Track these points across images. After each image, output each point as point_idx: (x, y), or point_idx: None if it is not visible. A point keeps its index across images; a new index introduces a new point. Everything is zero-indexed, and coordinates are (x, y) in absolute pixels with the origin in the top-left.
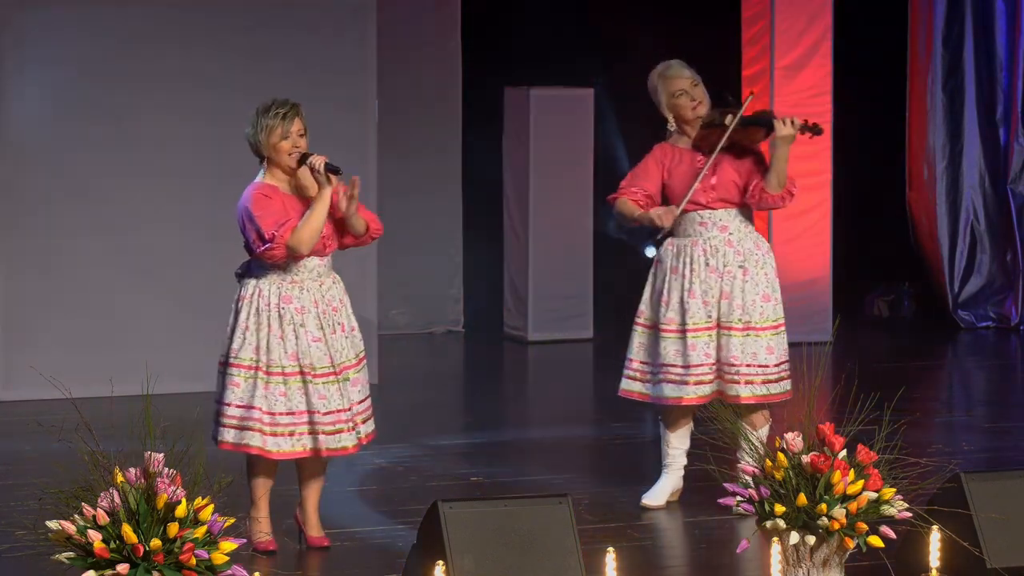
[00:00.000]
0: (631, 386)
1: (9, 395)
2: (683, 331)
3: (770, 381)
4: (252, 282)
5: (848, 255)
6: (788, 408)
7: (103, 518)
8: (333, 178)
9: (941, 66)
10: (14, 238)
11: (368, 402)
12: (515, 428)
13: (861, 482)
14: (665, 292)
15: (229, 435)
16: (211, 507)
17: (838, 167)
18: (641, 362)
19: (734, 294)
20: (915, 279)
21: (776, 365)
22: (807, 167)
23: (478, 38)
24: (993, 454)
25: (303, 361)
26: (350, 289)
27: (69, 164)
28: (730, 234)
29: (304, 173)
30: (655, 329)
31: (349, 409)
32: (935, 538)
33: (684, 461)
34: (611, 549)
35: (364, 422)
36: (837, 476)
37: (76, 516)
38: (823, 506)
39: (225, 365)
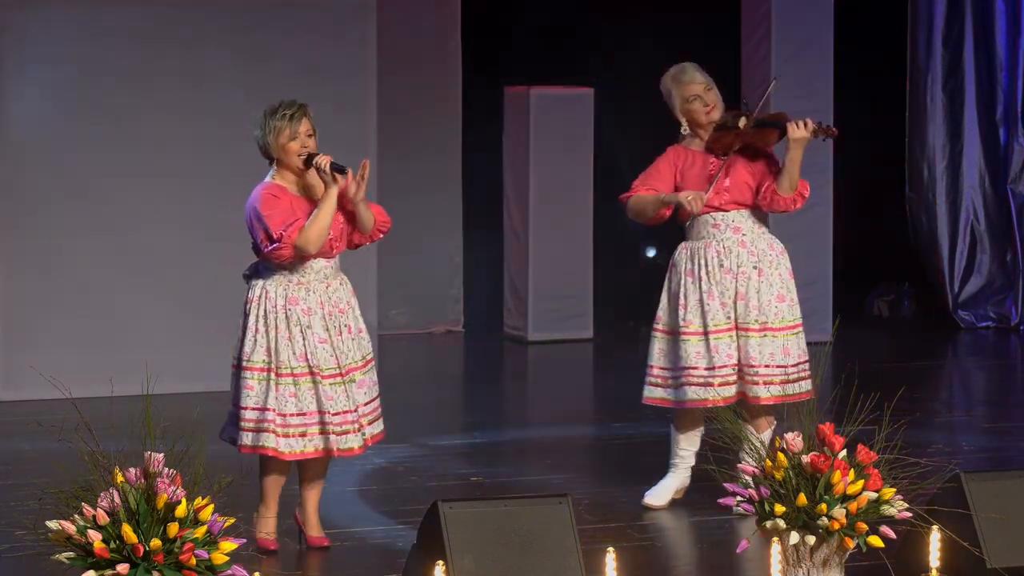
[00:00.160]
0: (654, 392)
1: (9, 395)
2: (705, 333)
3: (789, 381)
4: (259, 284)
5: (848, 255)
6: (788, 408)
7: (103, 518)
8: (340, 178)
9: (941, 66)
10: (14, 238)
11: (375, 404)
12: (515, 428)
13: (861, 482)
14: (682, 296)
15: (247, 438)
16: (211, 507)
17: (838, 167)
18: (662, 368)
19: (749, 295)
20: (915, 279)
21: (794, 365)
22: (807, 167)
23: (478, 38)
24: (993, 454)
25: (311, 362)
26: None
27: (69, 164)
28: (743, 235)
29: (312, 173)
30: (675, 334)
31: (355, 410)
32: (935, 538)
33: (692, 462)
34: (611, 549)
35: (371, 423)
36: (837, 476)
37: (76, 516)
38: (823, 506)
39: (238, 368)
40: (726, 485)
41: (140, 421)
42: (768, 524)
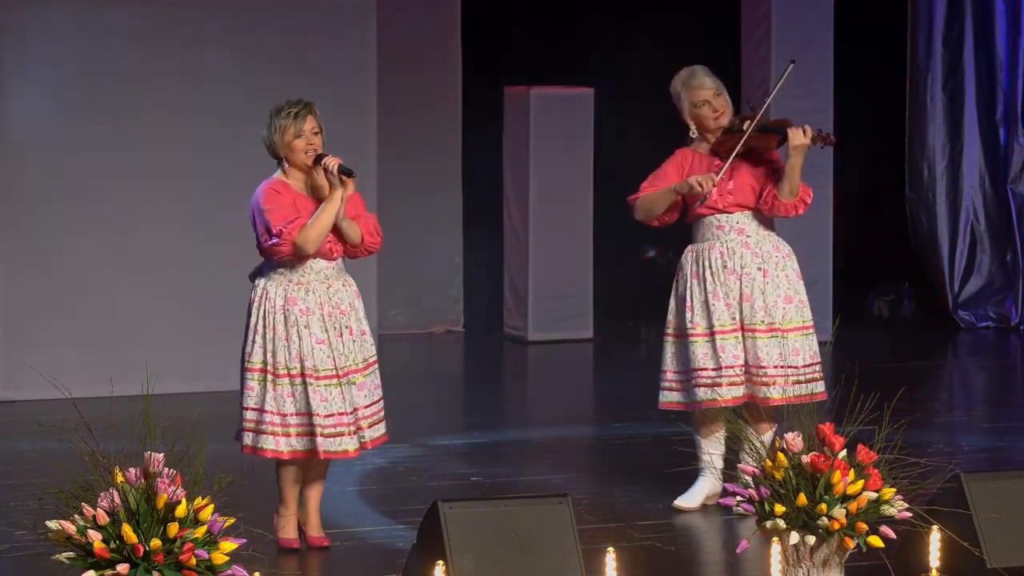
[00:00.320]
0: (669, 397)
1: (9, 395)
2: (711, 334)
3: (800, 382)
4: (261, 284)
5: (848, 255)
6: (789, 408)
7: (103, 518)
8: (348, 181)
9: (941, 66)
10: (14, 238)
11: (377, 407)
12: (515, 428)
13: (861, 482)
14: (688, 298)
15: (248, 439)
16: (211, 507)
17: (838, 167)
18: (674, 372)
19: (754, 296)
20: (915, 279)
21: (806, 366)
22: (807, 167)
23: (478, 38)
24: (993, 454)
25: (305, 363)
26: None
27: (69, 164)
28: (747, 237)
29: (319, 173)
30: (683, 337)
31: (352, 412)
32: (935, 538)
33: (719, 465)
34: (611, 549)
35: (371, 426)
36: (837, 476)
37: (76, 516)
38: (823, 506)
39: (242, 369)
40: (726, 485)
41: (140, 421)
42: (768, 524)
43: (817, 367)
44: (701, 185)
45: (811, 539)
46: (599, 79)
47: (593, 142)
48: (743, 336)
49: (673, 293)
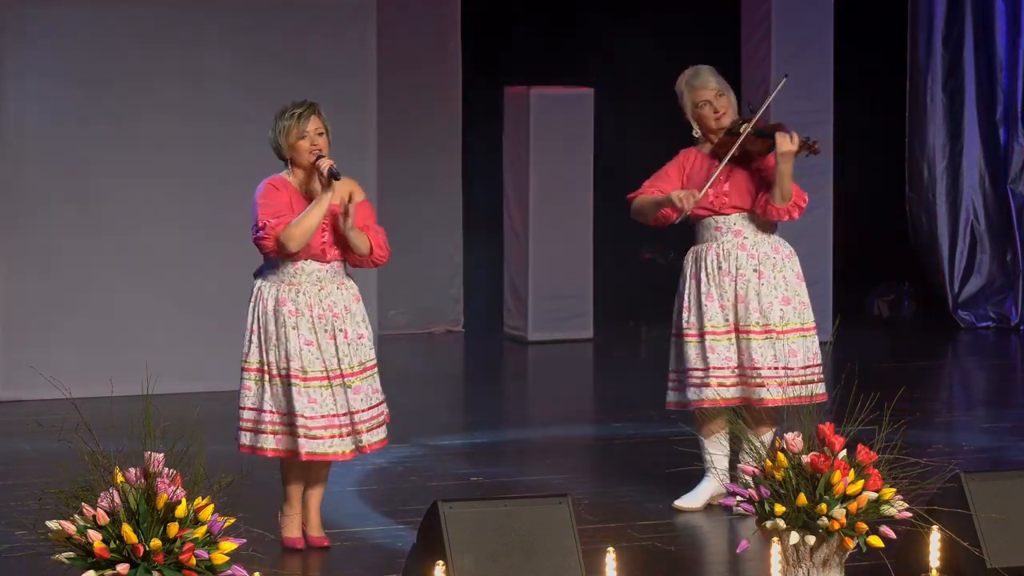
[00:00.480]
0: (669, 396)
1: (9, 395)
2: (702, 334)
3: (796, 384)
4: (257, 284)
5: (848, 255)
6: (789, 408)
7: (103, 518)
8: (335, 184)
9: (941, 66)
10: (14, 238)
11: (376, 411)
12: (515, 428)
13: (861, 482)
14: (686, 298)
15: (246, 438)
16: (211, 507)
17: (838, 167)
18: (674, 371)
19: (749, 298)
20: (915, 279)
21: (803, 368)
22: (807, 166)
23: (478, 38)
24: (993, 454)
25: (292, 364)
26: None
27: (69, 164)
28: (744, 238)
29: (316, 176)
30: (681, 337)
31: (346, 415)
32: (935, 538)
33: (723, 465)
34: (611, 549)
35: (369, 431)
36: (837, 476)
37: (76, 516)
38: (823, 506)
39: (241, 369)
40: (726, 485)
41: (140, 421)
42: (768, 524)
43: (816, 369)
44: (682, 201)
45: (811, 539)
46: (599, 79)
47: (593, 142)
48: (738, 338)
49: (677, 294)
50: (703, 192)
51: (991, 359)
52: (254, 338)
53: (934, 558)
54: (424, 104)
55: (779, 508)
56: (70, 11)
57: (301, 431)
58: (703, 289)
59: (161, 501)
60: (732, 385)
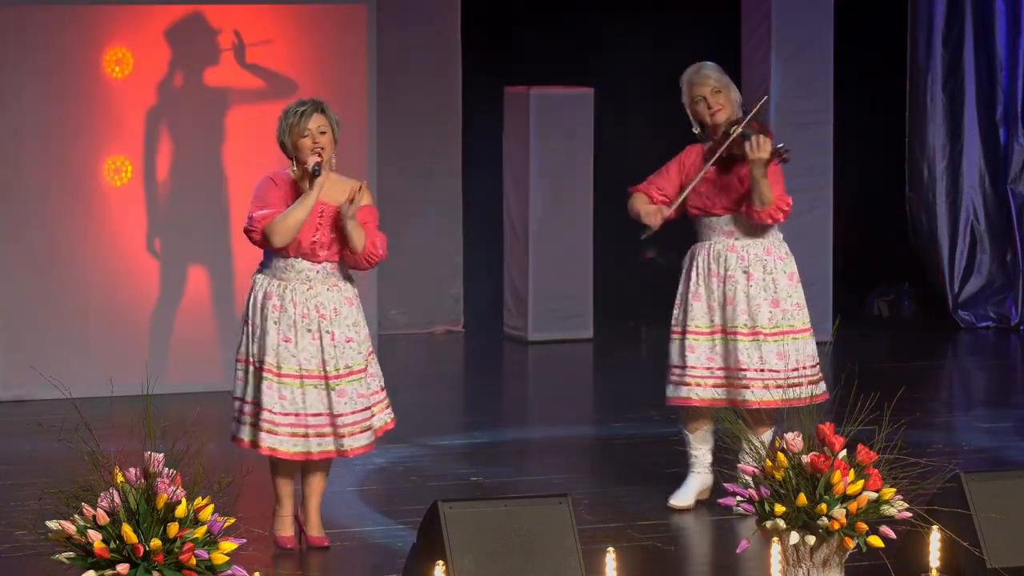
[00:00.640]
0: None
1: (9, 395)
2: (684, 332)
3: (782, 386)
4: (254, 278)
5: (848, 255)
6: (789, 408)
7: (103, 518)
8: (321, 182)
9: (941, 66)
10: (14, 239)
11: (362, 416)
12: (515, 428)
13: (861, 482)
14: (678, 296)
15: (233, 427)
16: (211, 507)
17: (838, 167)
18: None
19: (737, 299)
20: (915, 279)
21: (793, 370)
22: (807, 166)
23: (478, 38)
24: (993, 454)
25: (266, 358)
26: None
27: (69, 164)
28: (736, 239)
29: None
30: (671, 332)
31: (327, 416)
32: (935, 538)
33: (709, 459)
34: (611, 549)
35: (352, 435)
36: (837, 476)
37: (76, 516)
38: (823, 506)
39: (235, 360)
40: (726, 485)
41: (140, 421)
42: (768, 524)
43: (810, 371)
44: (649, 217)
45: (811, 539)
46: (599, 79)
47: (593, 142)
48: (724, 339)
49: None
50: (674, 207)
51: (991, 359)
52: (247, 329)
53: (934, 558)
54: (424, 104)
55: (779, 508)
56: (70, 10)
57: (265, 425)
58: (691, 288)
59: (161, 501)
60: (713, 386)
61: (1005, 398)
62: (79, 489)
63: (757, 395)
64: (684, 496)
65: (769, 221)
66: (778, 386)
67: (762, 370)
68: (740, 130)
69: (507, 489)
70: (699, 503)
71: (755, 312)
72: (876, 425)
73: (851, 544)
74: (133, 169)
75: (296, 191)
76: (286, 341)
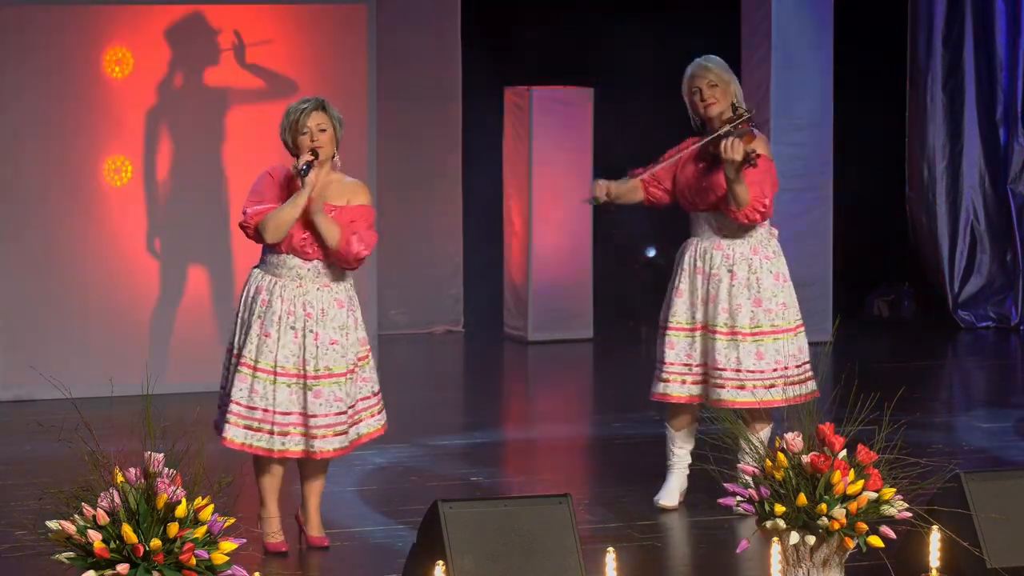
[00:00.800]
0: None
1: (9, 395)
2: (666, 328)
3: (759, 387)
4: (252, 271)
5: (848, 255)
6: (789, 408)
7: (103, 518)
8: (312, 181)
9: (941, 66)
10: (14, 239)
11: (336, 419)
12: (515, 428)
13: (861, 482)
14: (667, 291)
15: (219, 419)
16: (211, 507)
17: (838, 167)
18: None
19: (719, 297)
20: (915, 279)
21: (773, 370)
22: (807, 166)
23: (478, 38)
24: (993, 454)
25: (244, 351)
26: None
27: (69, 164)
28: (723, 237)
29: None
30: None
31: (297, 415)
32: (935, 538)
33: (688, 460)
34: (611, 549)
35: (324, 437)
36: (837, 476)
37: (76, 516)
38: (823, 506)
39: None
40: (726, 485)
41: (140, 421)
42: (768, 524)
43: (790, 371)
44: (596, 186)
45: (811, 539)
46: (599, 79)
47: (593, 142)
48: (704, 337)
49: None
50: (620, 182)
51: (991, 359)
52: (236, 320)
53: (934, 558)
54: (424, 104)
55: (779, 508)
56: (70, 10)
57: (231, 417)
58: (676, 284)
59: (161, 501)
60: (691, 382)
61: (1005, 398)
62: (79, 489)
63: (731, 395)
64: (670, 495)
65: (746, 221)
66: (754, 386)
67: (738, 370)
68: (727, 128)
69: (507, 489)
70: (681, 503)
71: (735, 311)
72: (876, 425)
73: (851, 544)
74: (133, 169)
75: (293, 187)
76: (267, 336)
